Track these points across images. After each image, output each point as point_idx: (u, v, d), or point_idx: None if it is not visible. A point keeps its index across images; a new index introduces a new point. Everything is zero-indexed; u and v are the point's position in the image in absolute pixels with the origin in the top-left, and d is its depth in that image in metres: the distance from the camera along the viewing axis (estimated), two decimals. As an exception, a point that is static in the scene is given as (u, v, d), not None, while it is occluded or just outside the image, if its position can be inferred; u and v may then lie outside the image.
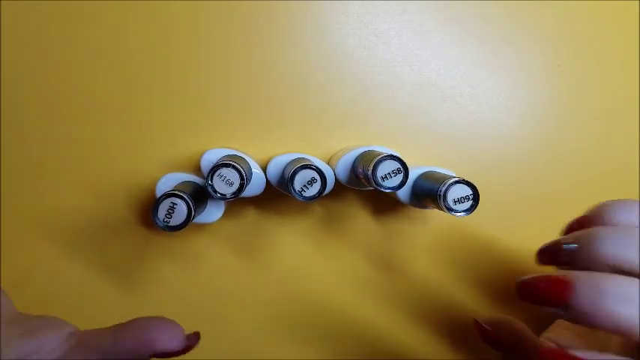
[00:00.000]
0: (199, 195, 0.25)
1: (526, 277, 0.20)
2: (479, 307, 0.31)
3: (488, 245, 0.32)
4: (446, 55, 0.31)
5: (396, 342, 0.31)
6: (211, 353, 0.31)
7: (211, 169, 0.23)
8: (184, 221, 0.23)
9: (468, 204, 0.24)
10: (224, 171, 0.23)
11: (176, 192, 0.23)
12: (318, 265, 0.31)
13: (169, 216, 0.23)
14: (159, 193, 0.26)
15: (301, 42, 0.30)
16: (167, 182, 0.26)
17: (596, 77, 0.32)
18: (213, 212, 0.27)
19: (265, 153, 0.30)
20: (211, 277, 0.31)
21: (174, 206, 0.23)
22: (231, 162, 0.23)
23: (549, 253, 0.21)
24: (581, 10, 0.32)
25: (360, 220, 0.31)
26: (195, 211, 0.23)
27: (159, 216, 0.23)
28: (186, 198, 0.23)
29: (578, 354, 0.18)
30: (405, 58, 0.31)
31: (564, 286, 0.18)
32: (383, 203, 0.31)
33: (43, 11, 0.30)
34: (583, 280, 0.18)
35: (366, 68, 0.31)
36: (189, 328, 0.31)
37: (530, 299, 0.19)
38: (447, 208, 0.23)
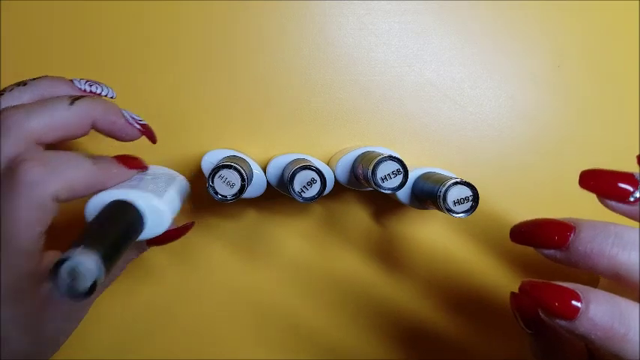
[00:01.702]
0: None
1: (524, 221, 0.20)
2: (479, 305, 0.32)
3: (488, 246, 0.32)
4: (446, 55, 0.31)
5: (396, 342, 0.31)
6: (210, 353, 0.31)
7: (212, 171, 0.23)
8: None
9: (467, 205, 0.24)
10: (225, 172, 0.23)
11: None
12: (317, 265, 0.31)
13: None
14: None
15: (301, 42, 0.30)
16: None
17: (597, 78, 0.32)
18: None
19: (266, 153, 0.30)
20: (211, 277, 0.31)
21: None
22: (232, 163, 0.23)
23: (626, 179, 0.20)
24: (581, 11, 0.32)
25: (360, 221, 0.31)
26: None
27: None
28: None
29: (558, 283, 0.18)
30: (405, 58, 0.31)
31: (567, 228, 0.18)
32: (383, 204, 0.31)
33: (43, 11, 0.30)
34: (585, 224, 0.18)
35: (366, 68, 0.31)
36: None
37: (530, 241, 0.19)
38: (446, 209, 0.23)
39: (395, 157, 0.24)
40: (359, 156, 0.27)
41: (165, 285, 0.31)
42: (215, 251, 0.31)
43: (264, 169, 0.27)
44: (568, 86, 0.32)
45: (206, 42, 0.30)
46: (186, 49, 0.30)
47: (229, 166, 0.23)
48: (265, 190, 0.27)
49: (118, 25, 0.30)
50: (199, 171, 0.27)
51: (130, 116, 0.24)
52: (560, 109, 0.32)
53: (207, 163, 0.26)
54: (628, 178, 0.19)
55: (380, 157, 0.24)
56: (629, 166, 0.33)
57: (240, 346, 0.31)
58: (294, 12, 0.30)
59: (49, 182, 0.20)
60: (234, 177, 0.23)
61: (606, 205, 0.19)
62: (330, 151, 0.31)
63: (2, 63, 0.30)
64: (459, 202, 0.24)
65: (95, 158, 0.22)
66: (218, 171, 0.23)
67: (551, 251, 0.19)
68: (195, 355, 0.31)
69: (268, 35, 0.30)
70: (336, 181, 0.27)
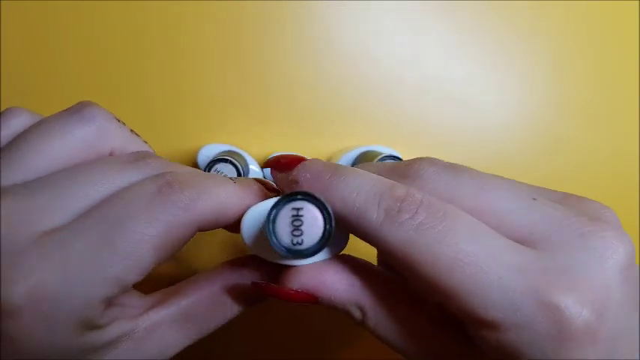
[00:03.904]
0: None
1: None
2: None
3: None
4: (447, 54, 0.31)
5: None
6: (210, 354, 0.30)
7: (208, 164, 0.23)
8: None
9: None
10: (221, 166, 0.23)
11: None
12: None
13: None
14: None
15: (301, 41, 0.30)
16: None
17: (598, 77, 0.32)
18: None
19: (264, 152, 0.30)
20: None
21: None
22: (227, 157, 0.23)
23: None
24: (583, 10, 0.32)
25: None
26: None
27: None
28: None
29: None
30: (406, 57, 0.31)
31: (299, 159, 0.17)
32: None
33: (43, 11, 0.30)
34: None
35: (366, 67, 0.31)
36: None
37: (275, 165, 0.18)
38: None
39: (395, 157, 0.24)
40: (359, 155, 0.27)
41: (162, 285, 0.30)
42: (213, 250, 0.30)
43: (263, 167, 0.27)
44: (570, 86, 0.32)
45: (204, 39, 0.30)
46: (185, 45, 0.30)
47: (225, 160, 0.23)
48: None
49: (117, 26, 0.30)
50: (195, 165, 0.27)
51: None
52: (562, 109, 0.32)
53: (203, 157, 0.26)
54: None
55: (380, 156, 0.24)
56: (628, 166, 0.32)
57: (239, 345, 0.30)
58: (293, 9, 0.30)
59: (200, 203, 0.16)
60: (229, 171, 0.23)
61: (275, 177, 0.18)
62: (330, 149, 0.30)
63: (2, 63, 0.30)
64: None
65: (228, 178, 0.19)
66: (214, 165, 0.23)
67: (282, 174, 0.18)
68: (191, 355, 0.30)
69: (267, 33, 0.30)
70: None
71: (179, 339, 0.19)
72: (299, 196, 0.15)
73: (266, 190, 0.19)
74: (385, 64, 0.31)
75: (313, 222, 0.15)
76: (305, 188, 0.16)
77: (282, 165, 0.17)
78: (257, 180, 0.20)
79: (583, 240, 0.14)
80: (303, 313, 0.31)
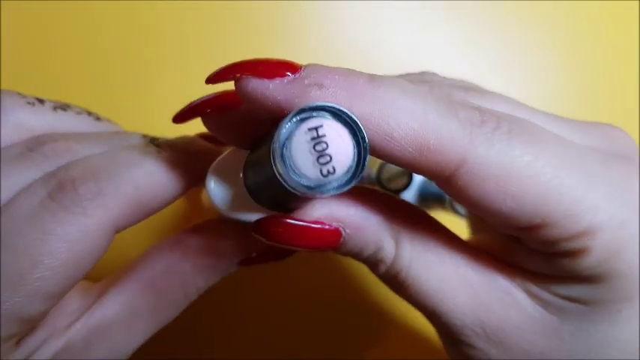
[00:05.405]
0: None
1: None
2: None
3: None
4: (449, 54, 0.31)
5: (396, 342, 0.31)
6: (209, 352, 0.30)
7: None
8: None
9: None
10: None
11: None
12: (318, 264, 0.31)
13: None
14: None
15: (301, 39, 0.30)
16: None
17: (601, 77, 0.32)
18: None
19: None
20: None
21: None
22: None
23: None
24: (586, 10, 0.32)
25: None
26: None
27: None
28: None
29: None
30: (407, 56, 0.31)
31: (291, 67, 0.11)
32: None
33: (43, 11, 0.30)
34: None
35: (370, 65, 0.30)
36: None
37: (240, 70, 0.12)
38: (455, 210, 0.23)
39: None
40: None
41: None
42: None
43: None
44: (571, 86, 0.32)
45: (203, 38, 0.30)
46: (184, 44, 0.30)
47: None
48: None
49: (117, 22, 0.30)
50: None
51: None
52: (563, 110, 0.31)
53: None
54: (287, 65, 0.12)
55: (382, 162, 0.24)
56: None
57: (238, 345, 0.31)
58: (297, 7, 0.30)
59: (106, 200, 0.12)
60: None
61: (244, 88, 0.12)
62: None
63: (2, 63, 0.30)
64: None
65: (158, 143, 0.14)
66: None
67: (265, 83, 0.11)
68: (194, 354, 0.31)
69: (268, 32, 0.30)
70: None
71: (130, 336, 0.15)
72: (314, 112, 0.11)
73: (215, 144, 0.14)
74: (386, 63, 0.31)
75: (341, 143, 0.11)
76: (336, 97, 0.11)
77: (263, 70, 0.11)
78: (201, 135, 0.15)
79: (612, 140, 0.15)
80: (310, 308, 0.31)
